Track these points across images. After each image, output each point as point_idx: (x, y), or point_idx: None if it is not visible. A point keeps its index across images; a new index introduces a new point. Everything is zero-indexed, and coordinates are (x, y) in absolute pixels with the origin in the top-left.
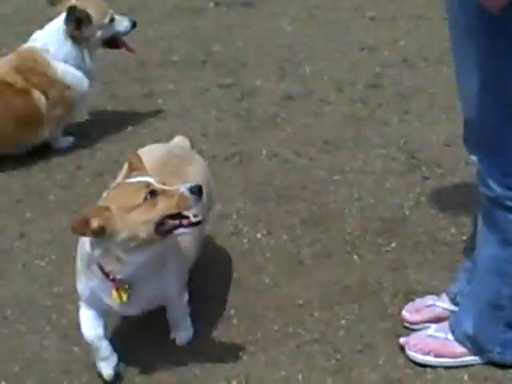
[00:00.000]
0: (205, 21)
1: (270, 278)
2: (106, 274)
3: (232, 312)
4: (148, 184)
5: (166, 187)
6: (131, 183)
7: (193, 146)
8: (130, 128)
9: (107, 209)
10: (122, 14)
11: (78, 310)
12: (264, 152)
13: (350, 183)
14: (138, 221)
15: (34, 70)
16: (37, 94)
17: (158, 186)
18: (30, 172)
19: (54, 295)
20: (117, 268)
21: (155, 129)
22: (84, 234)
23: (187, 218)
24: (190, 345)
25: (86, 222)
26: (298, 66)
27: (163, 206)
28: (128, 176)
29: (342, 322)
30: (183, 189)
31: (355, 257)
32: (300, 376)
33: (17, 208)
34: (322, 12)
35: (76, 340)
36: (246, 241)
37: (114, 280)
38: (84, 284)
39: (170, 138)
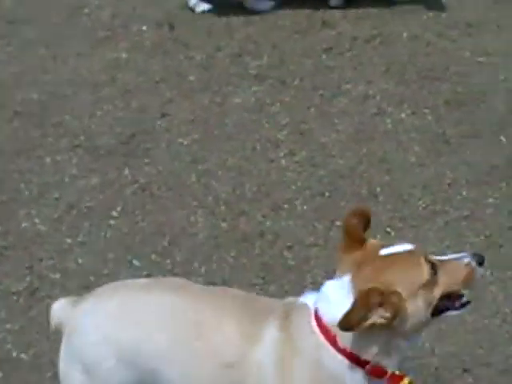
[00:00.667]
0: None
1: (416, 157)
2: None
3: (378, 190)
4: (425, 255)
5: (441, 258)
6: (404, 255)
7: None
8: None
9: (394, 293)
10: None
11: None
12: (405, 34)
13: (495, 65)
14: (425, 302)
15: None
16: None
17: (433, 257)
18: (168, 52)
19: (199, 173)
20: (390, 361)
21: (293, 9)
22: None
23: (460, 296)
24: (337, 220)
25: (367, 312)
26: None
27: (446, 283)
28: (376, 246)
29: (490, 200)
30: (469, 259)
31: (502, 137)
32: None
33: (157, 88)
34: None
35: (223, 216)
36: (389, 121)
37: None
38: None
39: (308, 19)
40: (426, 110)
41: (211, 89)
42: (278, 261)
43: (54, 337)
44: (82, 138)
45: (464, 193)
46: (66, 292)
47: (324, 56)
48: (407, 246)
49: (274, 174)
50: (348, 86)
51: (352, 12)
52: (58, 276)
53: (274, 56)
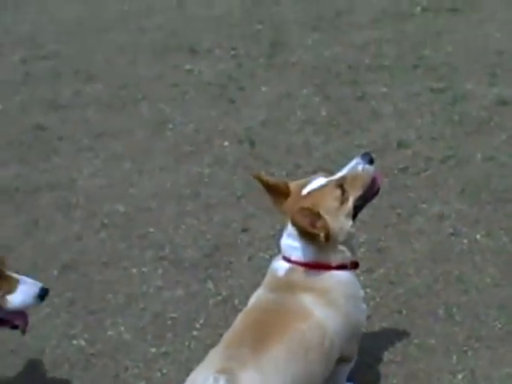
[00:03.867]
0: (412, 26)
1: (491, 277)
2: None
3: (454, 310)
4: (334, 183)
5: (341, 173)
6: (319, 188)
7: None
8: (344, 129)
9: (318, 214)
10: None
11: None
12: (479, 155)
13: None
14: (345, 215)
15: None
16: None
17: (336, 178)
18: (249, 168)
19: None
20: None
21: (369, 130)
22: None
23: (373, 186)
24: (415, 338)
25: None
26: (509, 71)
27: (354, 193)
28: (298, 187)
29: None
30: (362, 164)
31: None
32: None
33: (239, 203)
34: None
35: None
36: (465, 241)
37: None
38: None
39: (384, 139)
40: (501, 232)
41: None
42: (358, 377)
43: None
44: (166, 250)
45: None
46: None
47: (400, 175)
48: (320, 180)
49: None
50: (424, 206)
51: (426, 133)
52: None
53: None
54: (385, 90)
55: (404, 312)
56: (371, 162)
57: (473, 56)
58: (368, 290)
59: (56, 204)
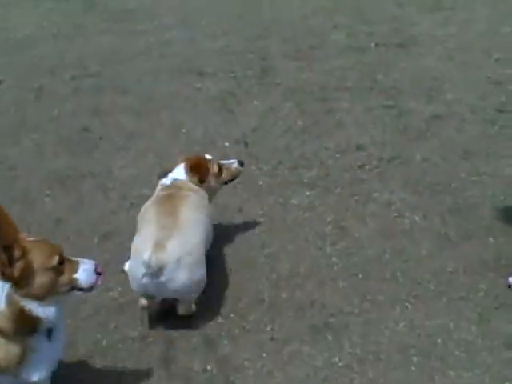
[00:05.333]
0: (369, 57)
1: (426, 250)
2: None
3: (398, 274)
4: (218, 162)
5: (224, 162)
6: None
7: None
8: (315, 135)
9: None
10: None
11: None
12: (418, 157)
13: (484, 183)
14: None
15: None
16: None
17: (221, 161)
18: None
19: (266, 255)
20: None
21: (335, 136)
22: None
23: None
24: (368, 295)
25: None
26: (442, 93)
27: (224, 175)
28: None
29: (481, 285)
30: (236, 163)
31: (490, 238)
32: (452, 324)
33: (236, 190)
34: (458, 54)
35: (283, 288)
36: (407, 222)
37: None
38: None
39: (346, 143)
40: (434, 216)
41: (275, 192)
42: (324, 325)
43: None
44: None
45: (461, 279)
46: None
47: (358, 171)
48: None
49: (321, 258)
50: (376, 195)
51: (378, 139)
52: None
53: (321, 169)
54: (347, 105)
55: (360, 275)
56: (242, 164)
57: (414, 81)
58: (333, 258)
59: (97, 188)
